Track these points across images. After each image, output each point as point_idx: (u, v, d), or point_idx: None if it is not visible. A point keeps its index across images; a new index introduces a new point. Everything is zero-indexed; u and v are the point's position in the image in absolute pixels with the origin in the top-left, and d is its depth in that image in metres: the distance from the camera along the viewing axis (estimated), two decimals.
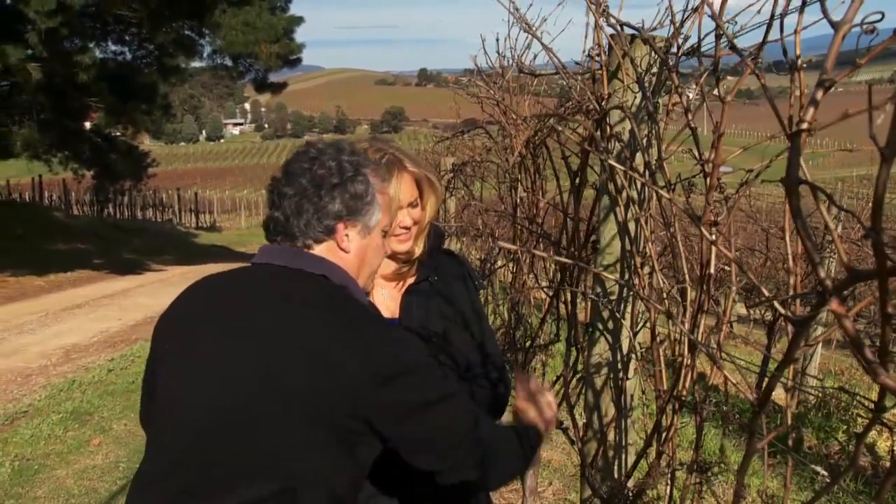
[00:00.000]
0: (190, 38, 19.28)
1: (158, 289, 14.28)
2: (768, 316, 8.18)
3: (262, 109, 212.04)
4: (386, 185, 1.79)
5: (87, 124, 21.73)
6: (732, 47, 1.28)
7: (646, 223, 1.87)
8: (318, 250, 1.69)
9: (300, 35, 20.51)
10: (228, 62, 20.41)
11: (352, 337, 1.51)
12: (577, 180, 2.41)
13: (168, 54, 19.58)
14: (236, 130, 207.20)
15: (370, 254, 1.76)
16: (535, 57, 2.93)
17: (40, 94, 17.36)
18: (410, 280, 2.08)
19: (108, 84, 17.55)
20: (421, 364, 1.57)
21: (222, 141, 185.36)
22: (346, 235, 1.70)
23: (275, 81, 22.05)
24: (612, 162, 1.66)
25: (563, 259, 1.73)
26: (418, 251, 2.05)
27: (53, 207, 30.44)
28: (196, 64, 21.77)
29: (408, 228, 1.99)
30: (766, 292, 1.06)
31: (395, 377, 1.50)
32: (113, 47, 20.29)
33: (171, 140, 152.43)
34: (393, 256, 2.04)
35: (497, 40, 3.16)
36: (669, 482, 1.52)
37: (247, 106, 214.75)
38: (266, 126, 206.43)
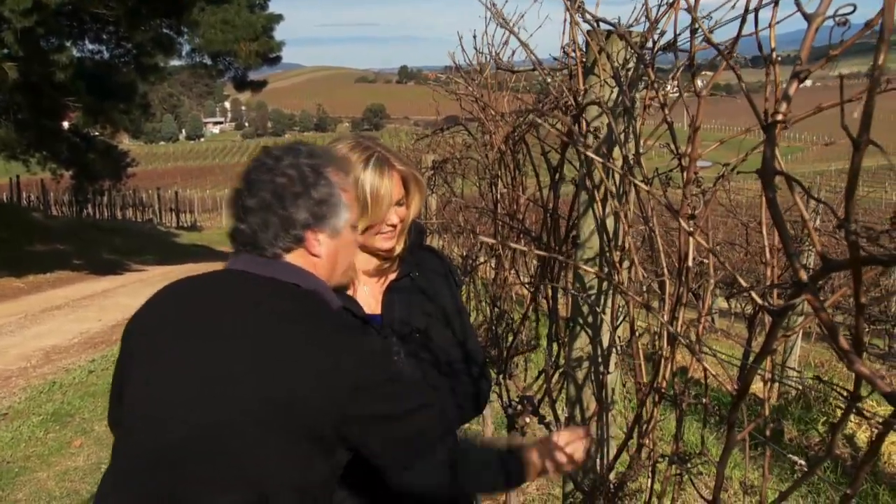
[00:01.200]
0: (168, 37, 19.15)
1: (139, 289, 14.19)
2: (749, 309, 8.25)
3: (243, 108, 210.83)
4: (349, 180, 1.78)
5: (66, 124, 21.54)
6: (708, 41, 1.29)
7: (624, 217, 1.87)
8: (289, 258, 1.69)
9: (280, 33, 20.50)
10: (207, 60, 20.30)
11: (325, 347, 1.52)
12: (557, 176, 2.42)
13: (146, 53, 19.43)
14: (216, 129, 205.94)
15: (342, 253, 1.76)
16: (514, 53, 2.94)
17: (17, 94, 17.20)
18: (392, 276, 2.08)
19: (86, 83, 17.42)
20: (393, 374, 1.61)
21: (202, 140, 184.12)
22: (317, 241, 1.70)
23: (255, 80, 21.99)
24: (590, 154, 1.67)
25: (542, 253, 1.73)
26: (399, 248, 2.05)
27: (32, 208, 30.16)
28: (175, 62, 21.61)
29: (394, 226, 1.99)
30: (743, 283, 1.07)
31: (368, 388, 1.51)
32: (90, 46, 20.10)
33: (150, 139, 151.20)
34: (375, 253, 2.04)
35: (474, 37, 3.16)
36: (650, 474, 1.53)
37: (227, 104, 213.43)
38: (246, 124, 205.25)
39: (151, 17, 17.68)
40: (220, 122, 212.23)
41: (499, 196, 3.08)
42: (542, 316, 2.79)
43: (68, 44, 17.43)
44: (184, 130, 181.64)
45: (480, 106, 3.01)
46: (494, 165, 3.15)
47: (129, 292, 13.62)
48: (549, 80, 2.20)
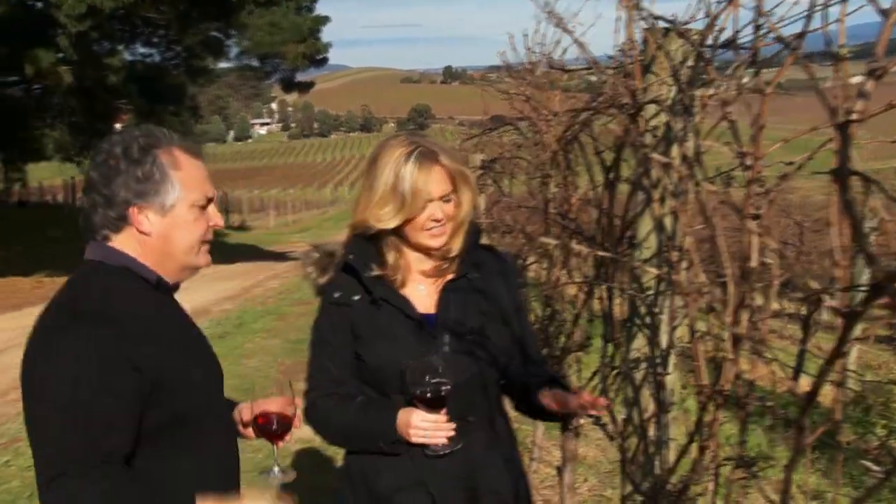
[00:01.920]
0: (217, 40, 19.47)
1: (188, 288, 14.35)
2: (803, 310, 8.09)
3: (289, 109, 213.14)
4: (185, 160, 1.79)
5: (118, 126, 22.00)
6: (779, 38, 1.27)
7: (683, 217, 1.85)
8: (119, 238, 1.75)
9: (326, 34, 20.63)
10: (255, 62, 20.60)
11: (36, 341, 1.67)
12: (611, 175, 2.39)
13: (196, 55, 19.79)
14: (263, 130, 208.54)
15: (178, 231, 1.77)
16: (565, 52, 2.92)
17: (71, 97, 17.62)
18: (449, 276, 2.07)
19: (138, 86, 17.81)
20: (59, 377, 1.61)
21: (250, 141, 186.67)
22: (146, 218, 1.73)
23: (302, 81, 22.21)
24: (654, 155, 1.65)
25: (603, 253, 1.72)
26: (456, 248, 2.03)
27: None
28: (223, 65, 21.95)
29: (439, 221, 1.96)
30: (815, 285, 1.05)
31: (30, 383, 1.64)
32: (141, 49, 20.55)
33: (199, 141, 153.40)
34: (428, 253, 2.03)
35: (525, 36, 3.15)
36: (714, 478, 1.51)
37: (274, 106, 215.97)
38: (293, 125, 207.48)
39: (201, 21, 17.96)
40: (268, 124, 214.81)
41: (550, 196, 3.07)
42: (595, 316, 2.77)
43: (120, 47, 17.86)
44: (232, 132, 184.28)
45: (532, 105, 3.00)
46: (546, 165, 3.14)
47: (179, 291, 13.79)
48: (604, 78, 2.18)
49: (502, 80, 3.40)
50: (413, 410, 1.91)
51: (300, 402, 2.01)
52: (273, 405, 1.96)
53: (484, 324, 2.02)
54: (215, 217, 1.86)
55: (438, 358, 1.90)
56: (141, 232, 1.74)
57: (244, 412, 2.01)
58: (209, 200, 1.84)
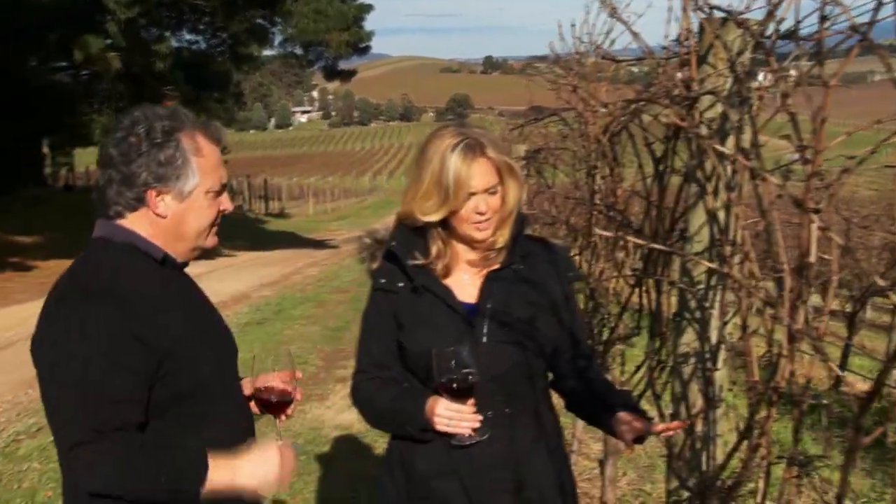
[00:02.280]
0: (262, 27, 19.61)
1: (228, 273, 14.54)
2: (848, 307, 7.94)
3: (330, 97, 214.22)
4: (206, 145, 1.80)
5: None
6: (853, 28, 1.23)
7: (737, 210, 1.82)
8: (132, 218, 1.77)
9: (369, 23, 20.66)
10: (299, 50, 20.70)
11: (45, 317, 1.72)
12: (662, 167, 2.36)
13: (241, 43, 19.95)
14: (304, 118, 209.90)
15: (192, 215, 1.79)
16: (613, 42, 2.88)
17: (119, 83, 17.86)
18: (494, 266, 2.06)
19: (184, 73, 17.99)
20: (68, 352, 1.64)
21: (290, 128, 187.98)
22: (162, 201, 1.75)
23: (344, 69, 22.30)
24: (714, 146, 1.61)
25: (657, 246, 1.69)
26: (502, 240, 2.02)
27: None
28: (267, 52, 22.09)
29: (483, 214, 1.94)
30: (881, 282, 1.02)
31: (40, 358, 1.70)
32: (188, 36, 20.77)
33: (241, 128, 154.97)
34: (473, 244, 2.02)
35: (573, 26, 3.12)
36: (765, 476, 1.48)
37: (315, 94, 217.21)
38: (333, 114, 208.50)
39: (247, 8, 18.11)
40: (308, 111, 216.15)
41: (596, 187, 3.04)
42: (638, 311, 2.74)
43: (168, 34, 18.04)
44: (273, 119, 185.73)
45: (579, 96, 2.97)
46: (592, 156, 3.11)
47: (219, 277, 13.93)
48: (656, 68, 2.15)
49: (550, 69, 3.36)
50: (439, 399, 1.91)
51: (300, 375, 2.00)
52: (274, 379, 1.95)
53: (530, 314, 2.01)
54: (226, 203, 1.89)
55: (466, 347, 1.89)
56: (156, 214, 1.76)
57: (245, 386, 2.02)
58: (223, 187, 1.88)
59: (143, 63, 16.28)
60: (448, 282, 2.03)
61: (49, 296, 1.77)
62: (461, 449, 1.94)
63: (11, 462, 5.18)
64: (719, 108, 1.88)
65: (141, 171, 1.72)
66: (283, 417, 1.99)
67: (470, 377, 1.87)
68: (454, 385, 1.88)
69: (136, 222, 1.77)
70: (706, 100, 1.90)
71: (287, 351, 2.02)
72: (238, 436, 1.86)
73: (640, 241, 1.43)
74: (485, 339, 1.98)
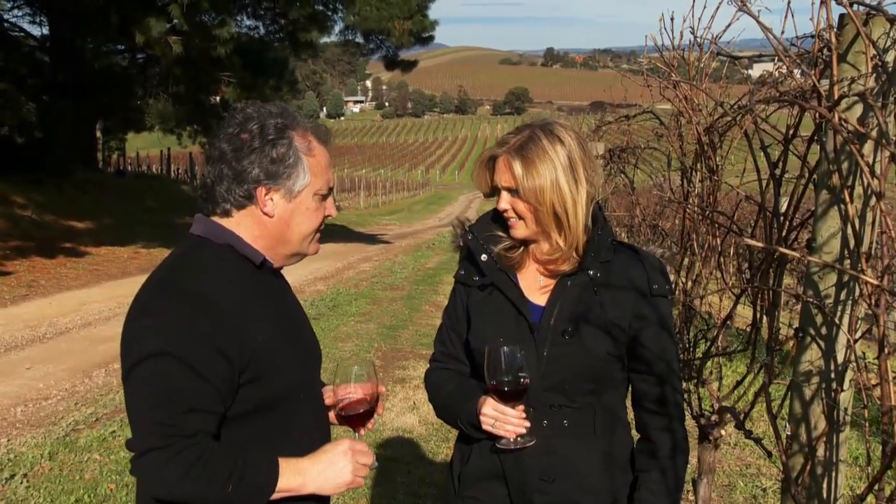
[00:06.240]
0: (323, 14, 19.55)
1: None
2: None
3: (383, 87, 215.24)
4: (317, 146, 1.77)
5: (216, 98, 22.35)
6: None
7: (877, 219, 1.70)
8: (238, 216, 1.74)
9: (433, 12, 20.42)
10: (360, 39, 20.61)
11: (132, 316, 1.68)
12: (778, 171, 2.24)
13: (301, 29, 19.88)
14: (356, 108, 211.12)
15: (298, 217, 1.76)
16: (716, 38, 2.75)
17: (177, 68, 17.95)
18: (565, 267, 1.96)
19: (242, 59, 18.01)
20: (151, 353, 1.61)
21: (342, 118, 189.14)
22: (270, 200, 1.72)
23: (405, 59, 22.06)
24: (862, 151, 1.48)
25: (789, 252, 1.57)
26: (548, 245, 1.95)
27: (180, 180, 31.54)
28: (326, 39, 22.08)
29: (505, 211, 1.93)
30: None
31: (125, 356, 1.64)
32: (247, 22, 20.78)
33: None
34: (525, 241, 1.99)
35: (672, 19, 2.98)
36: None
37: (368, 83, 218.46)
38: (386, 104, 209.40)
39: None
40: (361, 102, 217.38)
41: (694, 189, 2.92)
42: (736, 326, 2.62)
43: (228, 19, 18.09)
44: (325, 108, 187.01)
45: (682, 94, 2.85)
46: (689, 157, 2.99)
47: None
48: (784, 67, 2.03)
49: (654, 64, 3.23)
50: (488, 398, 1.89)
51: (383, 390, 1.95)
52: (356, 390, 1.90)
53: (598, 324, 1.91)
54: (331, 208, 1.86)
55: (522, 351, 1.84)
56: (264, 213, 1.73)
57: (326, 394, 1.99)
58: (330, 190, 1.85)
59: (202, 48, 16.27)
60: (521, 278, 2.00)
61: (144, 286, 1.75)
62: (507, 453, 1.90)
63: (73, 452, 5.22)
64: (857, 110, 1.76)
65: (252, 168, 1.69)
66: (362, 431, 1.94)
67: (521, 381, 1.83)
68: (504, 388, 1.84)
69: (242, 221, 1.75)
70: (844, 101, 1.77)
71: (370, 361, 2.00)
72: (316, 445, 1.83)
73: (792, 253, 1.32)
74: (546, 345, 1.92)
